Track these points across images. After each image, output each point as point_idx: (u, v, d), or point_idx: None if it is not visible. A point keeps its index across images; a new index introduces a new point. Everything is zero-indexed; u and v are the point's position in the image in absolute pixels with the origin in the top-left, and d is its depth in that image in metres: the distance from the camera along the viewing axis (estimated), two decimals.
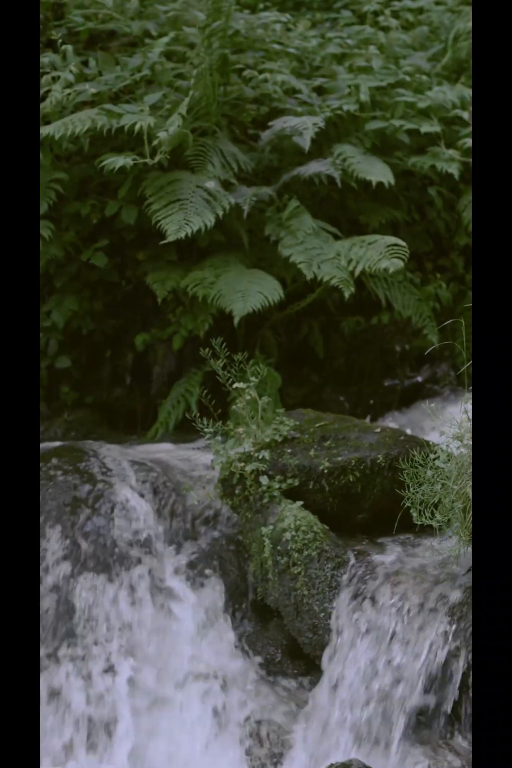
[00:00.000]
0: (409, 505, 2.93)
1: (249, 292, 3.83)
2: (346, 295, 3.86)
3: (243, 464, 3.23)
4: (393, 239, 3.87)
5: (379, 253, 3.81)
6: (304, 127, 3.99)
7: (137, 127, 3.79)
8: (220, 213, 3.86)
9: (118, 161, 3.82)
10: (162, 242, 3.83)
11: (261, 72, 4.37)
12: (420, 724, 2.75)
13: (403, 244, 3.82)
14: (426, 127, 4.33)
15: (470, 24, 4.70)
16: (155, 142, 3.84)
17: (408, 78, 4.52)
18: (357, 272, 3.87)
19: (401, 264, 3.78)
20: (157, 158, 3.86)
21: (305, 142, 3.94)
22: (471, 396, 2.42)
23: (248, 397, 3.31)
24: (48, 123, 3.97)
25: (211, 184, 3.90)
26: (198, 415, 3.29)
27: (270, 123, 4.22)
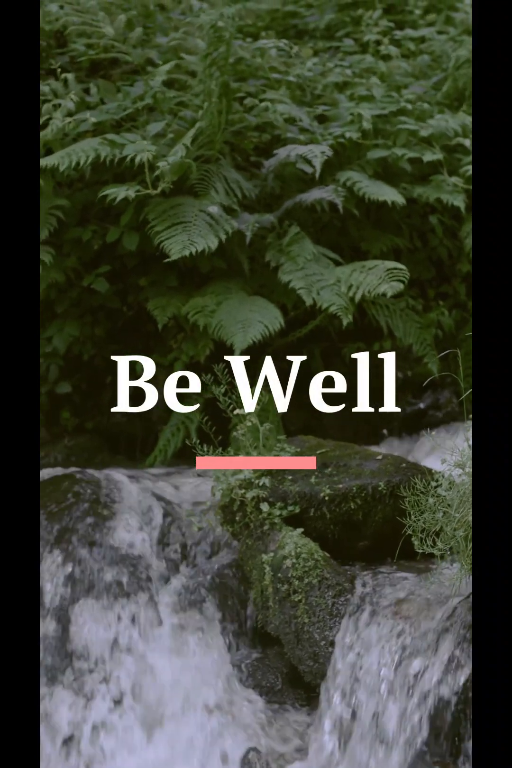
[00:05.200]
0: (411, 533, 2.92)
1: (249, 323, 3.83)
2: (344, 322, 3.86)
3: (243, 491, 3.22)
4: (393, 264, 3.87)
5: (379, 277, 3.81)
6: (313, 155, 3.99)
7: (138, 160, 3.81)
8: (223, 237, 3.87)
9: (120, 193, 3.83)
10: (166, 260, 3.83)
11: (262, 100, 4.38)
12: (425, 757, 2.72)
13: (403, 267, 3.82)
14: (428, 157, 4.34)
15: (471, 52, 4.72)
16: (157, 172, 3.85)
17: (409, 106, 4.54)
18: (357, 298, 3.86)
19: (400, 287, 3.78)
20: (159, 189, 3.87)
21: (316, 170, 3.94)
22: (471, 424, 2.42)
23: (249, 424, 3.30)
24: (49, 150, 3.98)
25: (213, 209, 3.91)
26: (198, 441, 3.28)
27: (275, 151, 4.23)
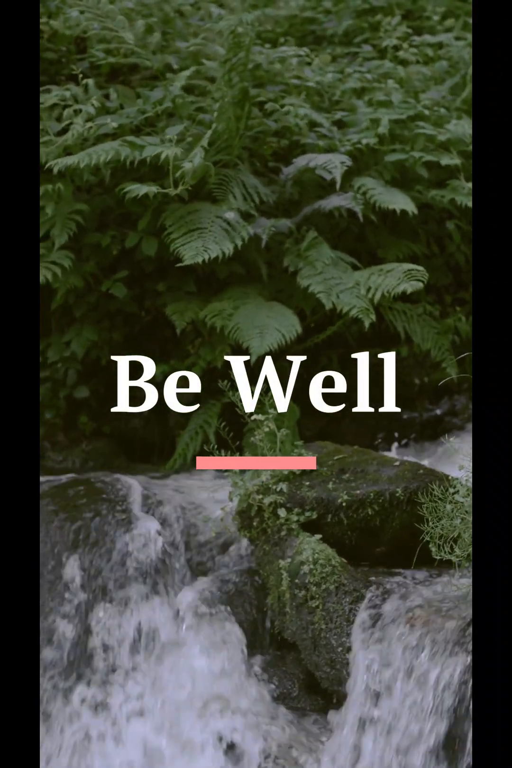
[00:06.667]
0: (428, 539, 2.92)
1: (266, 329, 3.83)
2: (367, 324, 3.85)
3: (261, 496, 3.22)
4: (410, 265, 3.87)
5: (397, 278, 3.80)
6: (333, 165, 4.00)
7: (163, 156, 3.81)
8: (239, 243, 3.87)
9: (141, 189, 3.83)
10: (178, 265, 3.84)
11: (281, 106, 4.39)
12: (441, 761, 2.72)
13: (421, 268, 3.82)
14: (445, 160, 4.34)
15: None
16: (178, 174, 3.86)
17: (427, 111, 4.54)
18: (376, 299, 3.86)
19: (420, 285, 3.77)
20: (179, 189, 3.88)
21: (336, 180, 3.95)
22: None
23: (266, 429, 3.31)
24: (69, 155, 4.00)
25: (230, 215, 3.92)
26: (216, 446, 3.29)
27: (293, 160, 4.24)
